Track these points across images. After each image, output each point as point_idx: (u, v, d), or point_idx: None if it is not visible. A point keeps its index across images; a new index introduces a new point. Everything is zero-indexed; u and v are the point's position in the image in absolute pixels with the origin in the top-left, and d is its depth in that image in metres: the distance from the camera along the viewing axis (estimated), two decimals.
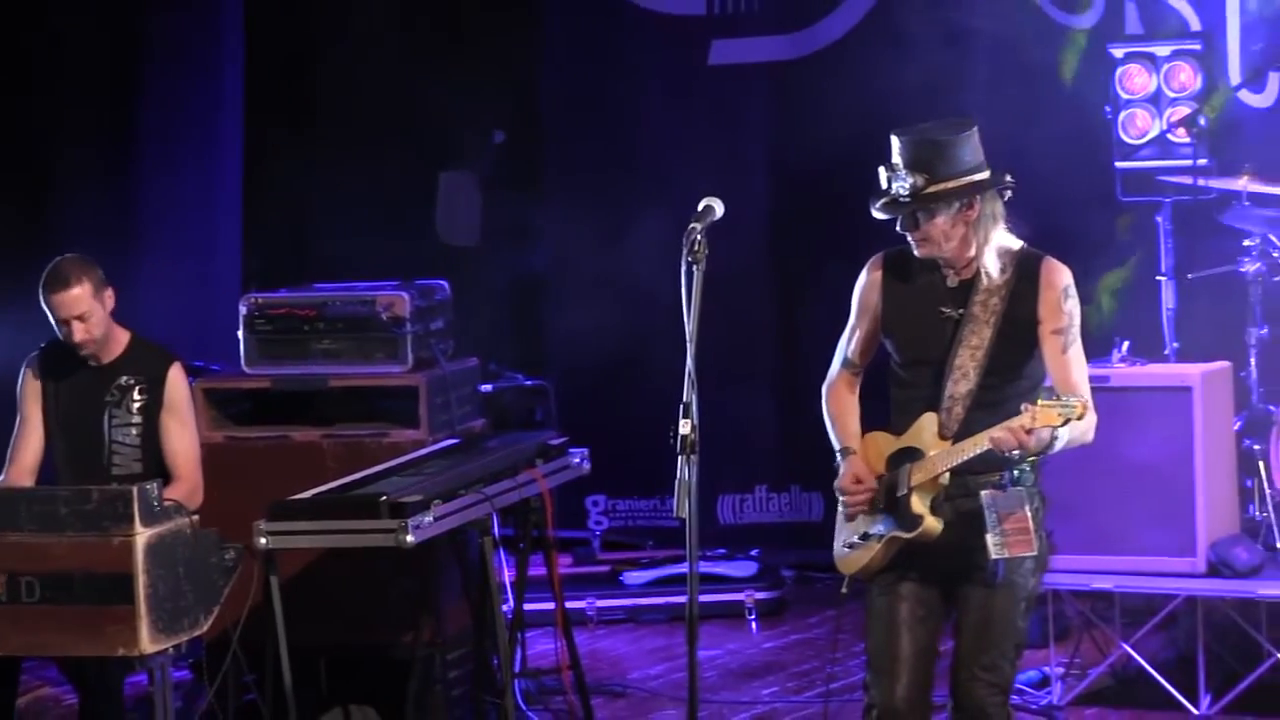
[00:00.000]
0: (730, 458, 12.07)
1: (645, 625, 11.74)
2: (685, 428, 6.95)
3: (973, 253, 7.19)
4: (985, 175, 7.19)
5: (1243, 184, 10.69)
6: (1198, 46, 11.96)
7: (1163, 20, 12.48)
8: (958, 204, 7.12)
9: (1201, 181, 10.94)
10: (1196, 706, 9.84)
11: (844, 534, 7.31)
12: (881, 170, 7.17)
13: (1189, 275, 11.12)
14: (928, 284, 7.26)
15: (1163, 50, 11.90)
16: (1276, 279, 10.54)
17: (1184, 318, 11.17)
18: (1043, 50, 12.53)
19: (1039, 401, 6.86)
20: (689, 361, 6.98)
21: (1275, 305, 10.60)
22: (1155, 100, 11.84)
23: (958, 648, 7.24)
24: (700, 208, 7.11)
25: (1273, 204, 10.69)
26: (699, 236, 7.01)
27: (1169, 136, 11.46)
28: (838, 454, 7.34)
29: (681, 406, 6.96)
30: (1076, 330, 7.19)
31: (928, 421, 7.17)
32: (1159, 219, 11.35)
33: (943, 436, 7.14)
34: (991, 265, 7.17)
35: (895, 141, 7.16)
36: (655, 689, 10.52)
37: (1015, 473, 7.10)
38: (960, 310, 7.19)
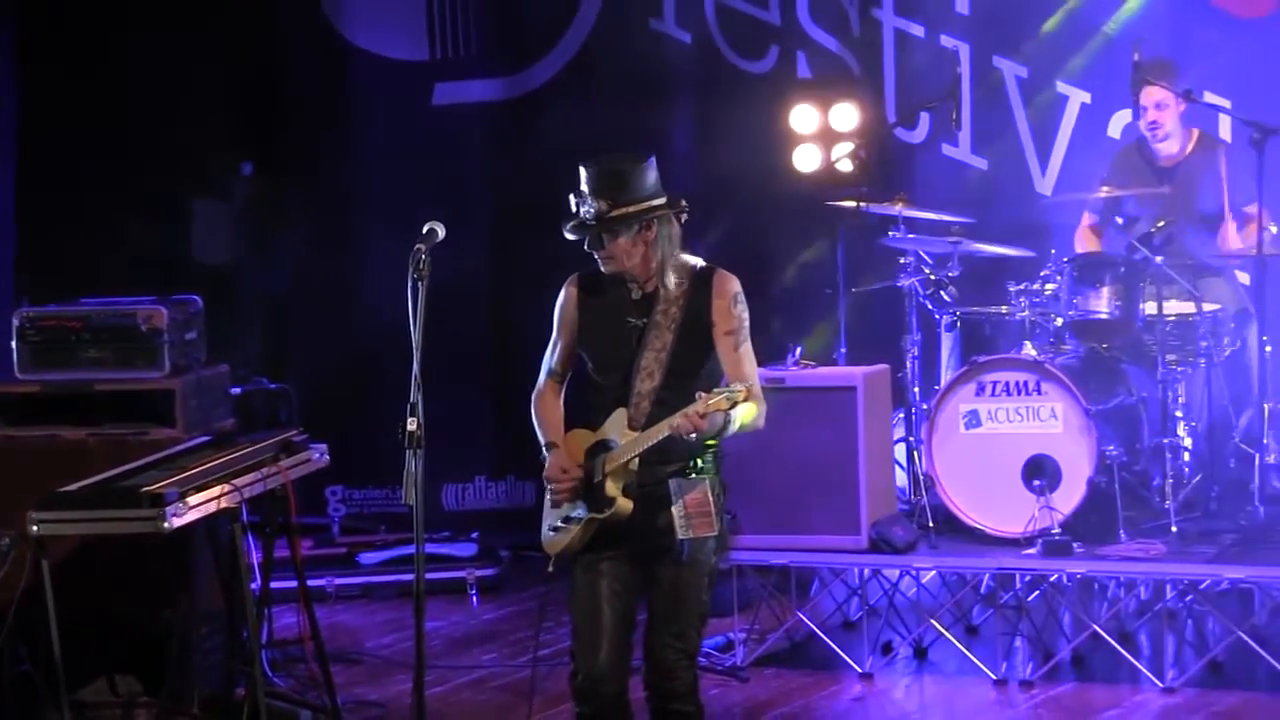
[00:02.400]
0: (453, 451, 12.04)
1: (378, 600, 11.71)
2: (412, 425, 7.01)
3: (654, 268, 7.27)
4: (662, 201, 7.25)
5: (898, 209, 10.87)
6: (859, 90, 12.15)
7: (829, 67, 12.67)
8: (637, 226, 7.19)
9: (864, 206, 11.08)
10: (860, 665, 9.99)
11: (549, 519, 7.35)
12: (572, 197, 7.24)
13: (854, 289, 11.27)
14: (616, 297, 7.31)
15: (830, 94, 12.07)
16: (928, 291, 10.72)
17: (850, 326, 11.31)
18: (725, 93, 12.68)
19: (711, 391, 6.98)
20: (415, 366, 7.04)
21: (927, 315, 10.78)
22: (824, 137, 12.01)
23: (651, 618, 7.29)
24: (425, 230, 7.15)
25: (924, 227, 10.87)
26: (424, 256, 7.06)
27: (836, 168, 11.61)
28: (544, 448, 7.38)
29: (409, 406, 7.02)
30: (746, 332, 7.26)
31: (619, 416, 7.22)
32: (830, 241, 11.50)
33: (632, 428, 7.19)
34: (670, 279, 7.24)
35: (583, 171, 7.22)
36: (387, 656, 10.50)
37: (698, 462, 7.18)
38: (644, 319, 7.25)
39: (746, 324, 7.28)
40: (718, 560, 7.37)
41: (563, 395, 7.47)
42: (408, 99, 13.13)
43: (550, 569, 7.39)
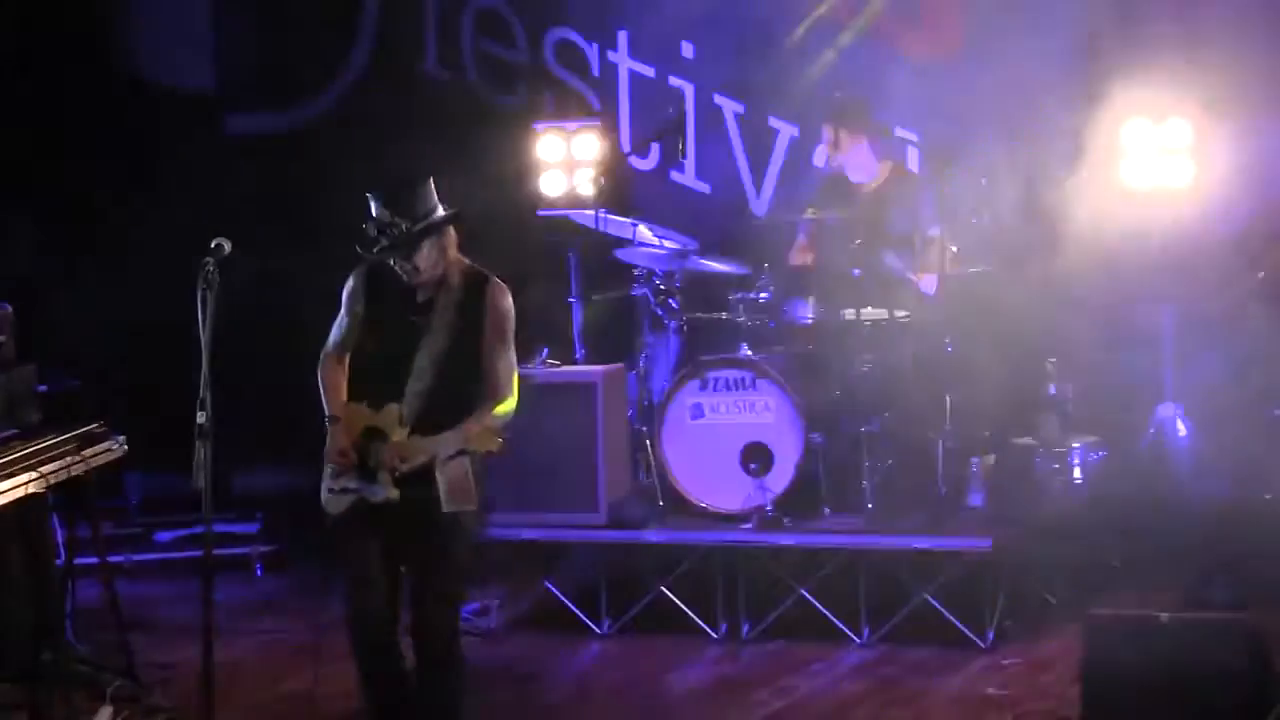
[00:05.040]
0: (241, 439, 11.92)
1: (173, 574, 11.58)
2: (201, 418, 6.96)
3: (439, 273, 7.27)
4: (444, 213, 7.29)
5: (632, 228, 10.93)
6: (598, 123, 12.20)
7: (572, 103, 12.71)
8: (433, 238, 7.21)
9: (602, 225, 11.13)
10: (599, 627, 10.03)
11: (328, 482, 7.33)
12: (369, 224, 7.19)
13: (594, 298, 11.31)
14: (401, 296, 7.30)
15: (572, 126, 12.10)
16: (658, 300, 10.77)
17: (589, 331, 11.35)
18: (480, 126, 12.68)
19: (471, 431, 7.10)
20: (204, 366, 6.98)
21: (657, 320, 10.83)
22: (567, 165, 12.04)
23: (417, 579, 7.28)
24: (213, 246, 7.09)
25: (653, 243, 10.92)
26: (212, 269, 7.01)
27: (578, 192, 11.65)
28: (327, 419, 7.34)
29: (199, 401, 6.96)
30: (510, 340, 7.29)
31: (392, 411, 7.20)
32: (570, 255, 11.54)
33: (403, 424, 7.18)
34: (452, 283, 7.27)
35: (377, 196, 7.19)
36: (180, 624, 10.37)
37: None
38: (425, 319, 7.26)
39: (512, 333, 7.30)
40: (477, 530, 7.39)
41: (346, 364, 7.42)
42: (201, 127, 12.99)
43: (329, 525, 7.36)
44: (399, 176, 7.31)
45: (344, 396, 7.36)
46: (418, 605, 7.28)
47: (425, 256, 7.23)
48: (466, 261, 7.36)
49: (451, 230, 7.31)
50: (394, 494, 7.18)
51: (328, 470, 7.35)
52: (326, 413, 7.38)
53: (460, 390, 7.22)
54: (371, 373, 7.33)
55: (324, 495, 7.36)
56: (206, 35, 13.27)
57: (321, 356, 7.45)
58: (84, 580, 9.93)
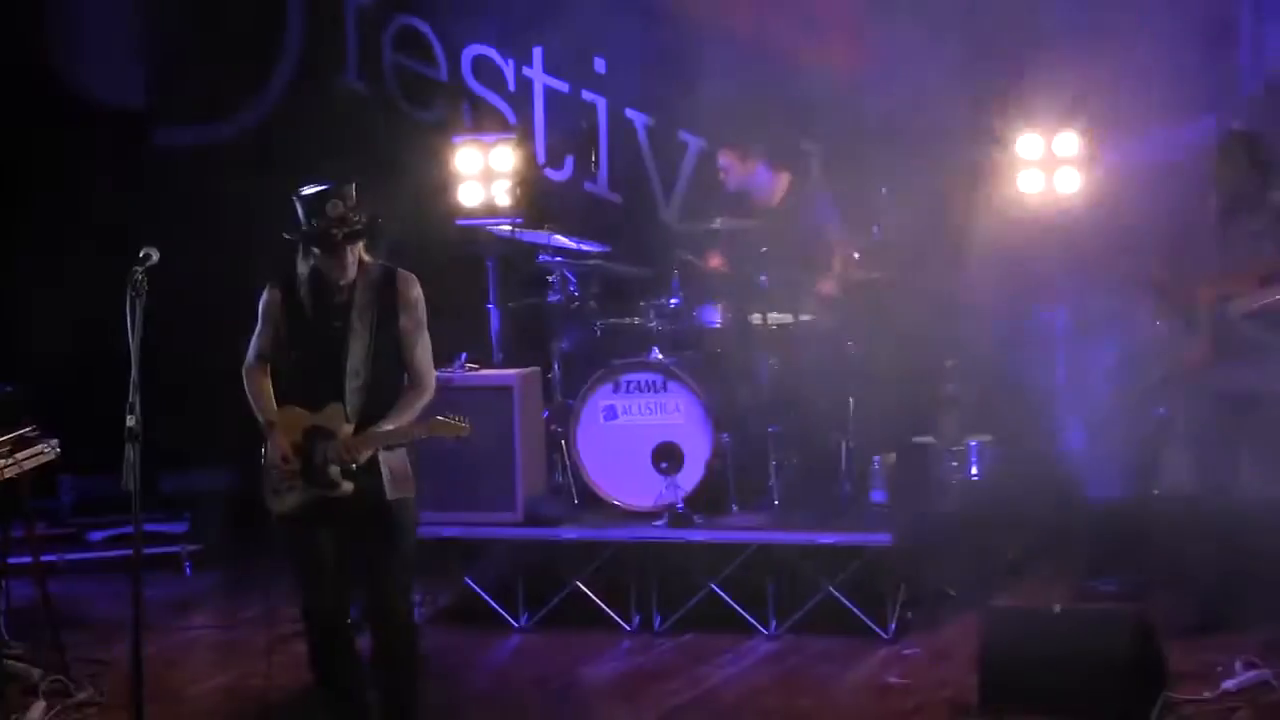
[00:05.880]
0: (170, 441, 11.84)
1: (105, 573, 11.48)
2: (131, 421, 6.91)
3: (353, 275, 7.31)
4: (371, 216, 7.34)
5: (547, 236, 10.93)
6: (514, 136, 12.17)
7: (489, 117, 12.69)
8: (359, 239, 7.28)
9: (518, 233, 11.13)
10: (517, 621, 10.02)
11: (273, 484, 7.36)
12: (318, 221, 7.22)
13: (510, 304, 11.29)
14: (319, 303, 7.34)
15: (489, 139, 12.08)
16: (573, 305, 10.77)
17: (506, 335, 11.33)
18: (401, 138, 12.65)
19: (435, 418, 7.26)
20: (134, 371, 6.93)
21: (572, 324, 10.82)
22: (485, 176, 12.01)
23: (370, 565, 7.36)
24: (141, 255, 7.05)
25: (569, 251, 10.92)
26: (140, 277, 6.97)
27: (496, 202, 11.63)
28: (264, 425, 7.38)
29: (128, 405, 6.91)
30: (424, 325, 7.39)
31: (335, 409, 7.27)
32: (488, 263, 11.53)
33: (348, 420, 7.25)
34: (363, 281, 7.32)
35: (313, 194, 7.24)
36: (111, 621, 10.30)
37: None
38: (345, 320, 7.30)
39: (424, 322, 7.39)
40: (417, 517, 7.48)
41: (269, 371, 7.45)
42: (131, 142, 12.91)
43: (276, 522, 7.39)
44: (329, 179, 7.35)
45: (274, 403, 7.39)
46: (374, 592, 7.37)
47: (352, 255, 7.29)
48: (369, 259, 7.40)
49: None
50: (348, 486, 7.24)
51: (273, 474, 7.36)
52: (261, 419, 7.40)
53: (395, 382, 7.34)
54: (306, 377, 7.36)
55: (267, 494, 7.39)
56: (136, 52, 13.17)
57: (245, 369, 7.48)
58: (18, 580, 9.85)
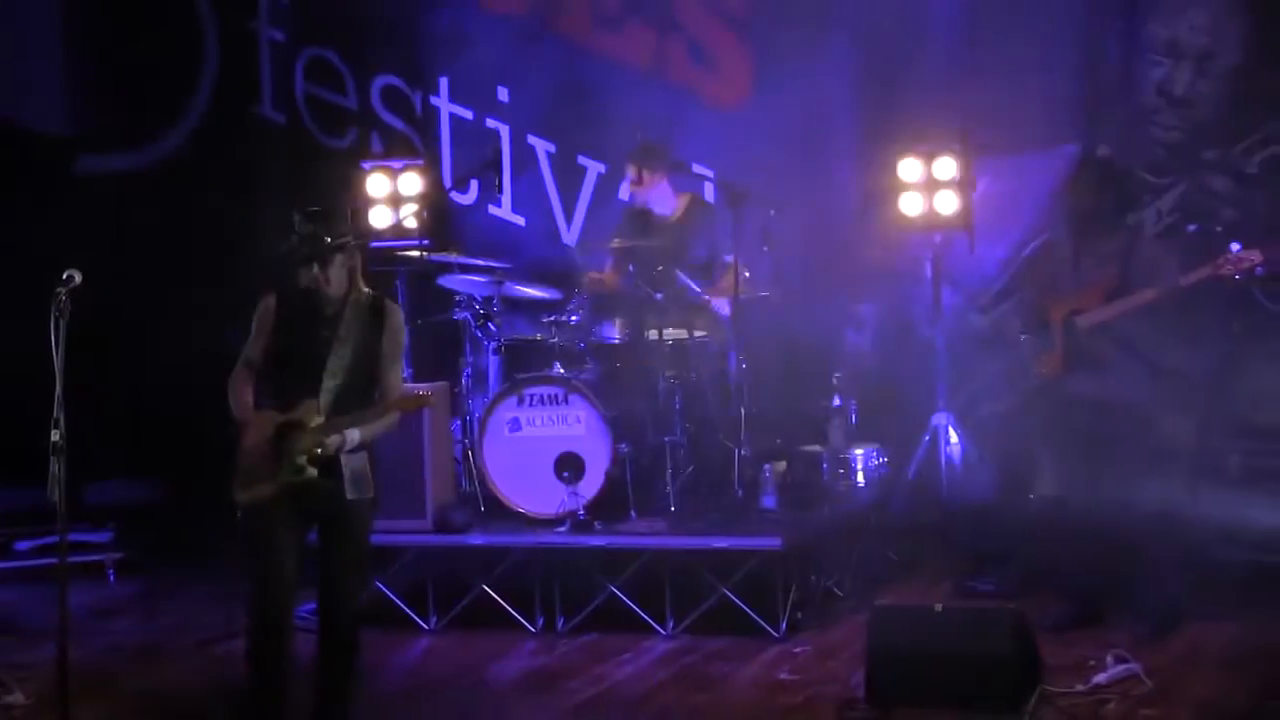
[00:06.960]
0: (96, 452, 11.74)
1: (31, 581, 11.36)
2: (55, 435, 6.88)
3: (345, 292, 7.44)
4: (351, 238, 7.48)
5: (452, 257, 10.95)
6: (422, 162, 12.17)
7: (398, 143, 12.69)
8: (342, 255, 7.40)
9: (425, 255, 11.13)
10: (427, 624, 10.00)
11: (243, 475, 7.41)
12: (294, 238, 7.36)
13: (419, 321, 11.27)
14: (310, 313, 7.46)
15: (398, 165, 12.06)
16: (478, 323, 10.76)
17: (416, 351, 11.31)
18: (313, 165, 12.62)
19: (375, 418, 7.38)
20: (58, 387, 6.90)
21: (477, 341, 10.82)
22: (393, 200, 11.99)
23: (328, 559, 7.44)
24: (64, 276, 7.02)
25: (473, 271, 10.92)
26: (64, 297, 6.94)
27: (404, 225, 11.61)
28: (239, 424, 7.47)
29: (53, 420, 6.87)
30: (400, 356, 7.58)
31: (309, 404, 7.35)
32: (398, 283, 11.51)
33: (320, 414, 7.33)
34: (357, 303, 7.45)
35: (297, 213, 7.41)
36: (37, 628, 10.18)
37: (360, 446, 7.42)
38: (333, 331, 7.42)
39: (402, 349, 7.60)
40: (374, 516, 7.56)
41: (252, 381, 7.53)
42: (52, 168, 12.80)
43: (239, 515, 7.43)
44: (320, 197, 7.69)
45: (251, 405, 7.49)
46: (330, 589, 7.44)
47: (335, 272, 7.40)
48: (367, 289, 7.55)
49: (358, 259, 7.51)
50: (313, 472, 7.30)
51: (245, 465, 7.41)
52: (237, 418, 7.49)
53: (367, 392, 7.44)
54: (289, 378, 7.45)
55: (238, 489, 7.43)
56: (59, 80, 13.07)
57: (231, 374, 7.55)
58: None
